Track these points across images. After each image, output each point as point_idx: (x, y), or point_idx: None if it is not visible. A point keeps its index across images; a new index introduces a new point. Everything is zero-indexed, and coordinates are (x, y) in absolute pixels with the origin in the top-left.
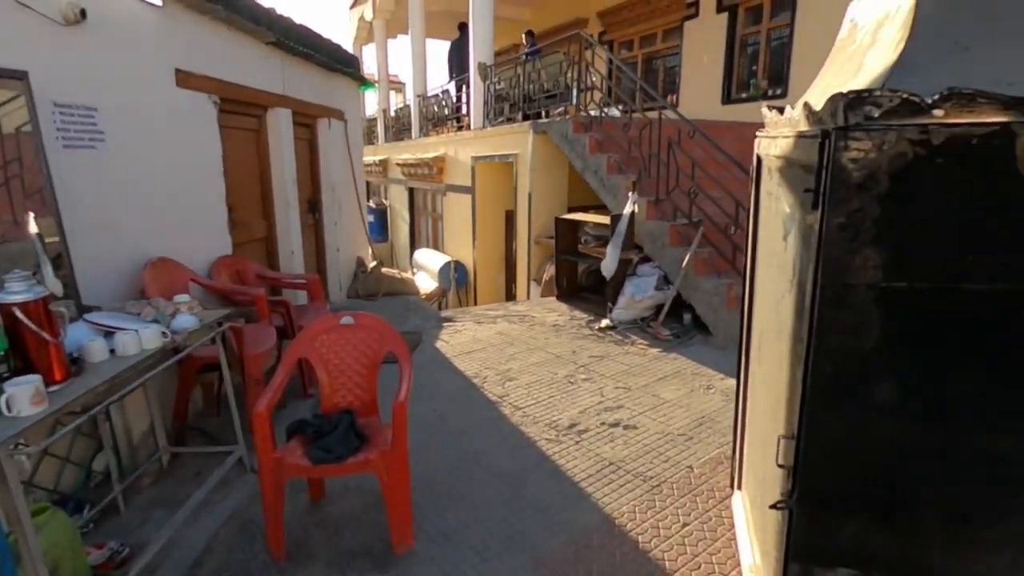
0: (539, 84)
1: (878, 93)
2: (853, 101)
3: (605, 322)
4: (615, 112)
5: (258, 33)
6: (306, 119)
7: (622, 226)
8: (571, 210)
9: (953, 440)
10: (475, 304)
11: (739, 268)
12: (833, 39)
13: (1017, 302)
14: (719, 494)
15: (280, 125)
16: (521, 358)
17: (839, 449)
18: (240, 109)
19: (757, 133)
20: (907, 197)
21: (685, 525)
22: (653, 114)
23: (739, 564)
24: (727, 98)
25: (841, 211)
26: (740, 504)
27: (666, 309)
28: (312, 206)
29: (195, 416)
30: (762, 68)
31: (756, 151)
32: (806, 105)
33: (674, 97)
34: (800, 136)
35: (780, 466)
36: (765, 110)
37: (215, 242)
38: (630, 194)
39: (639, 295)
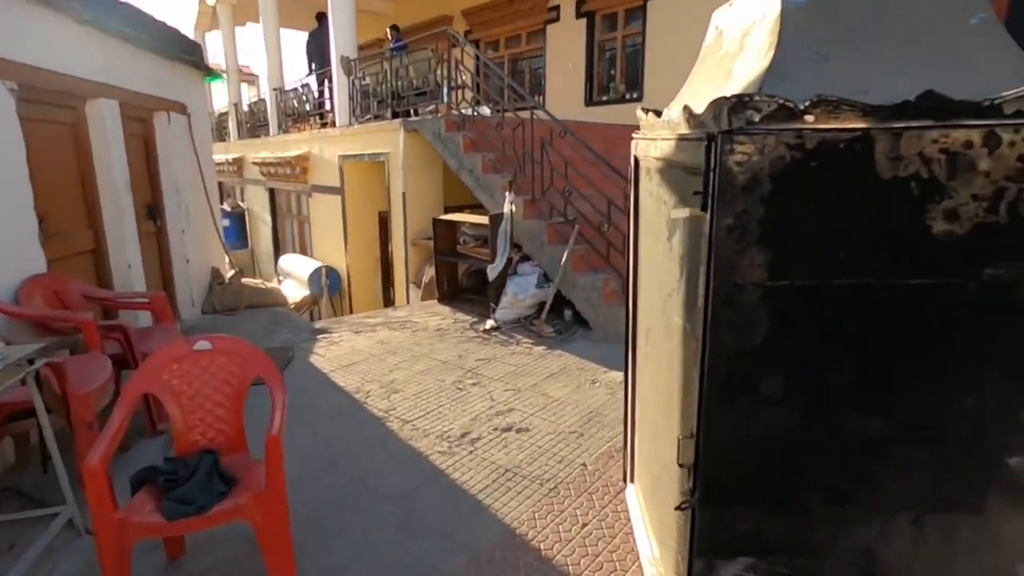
0: (408, 81)
1: (758, 98)
2: (736, 105)
3: (489, 323)
4: (486, 111)
5: (69, 10)
6: (140, 112)
7: (507, 226)
8: (447, 210)
9: (832, 425)
10: (351, 312)
11: (614, 264)
12: (680, 47)
13: (879, 295)
14: (613, 488)
15: (104, 119)
16: (405, 367)
17: (735, 444)
18: (50, 99)
19: (633, 135)
20: (786, 199)
21: (584, 525)
22: (525, 114)
23: (639, 558)
24: (590, 100)
25: (729, 212)
26: (634, 497)
27: (548, 307)
28: (152, 211)
29: (5, 475)
30: (620, 72)
31: (634, 152)
32: (686, 108)
33: (540, 98)
34: (682, 139)
35: (681, 465)
36: (641, 113)
37: (22, 259)
38: (507, 193)
39: (521, 294)
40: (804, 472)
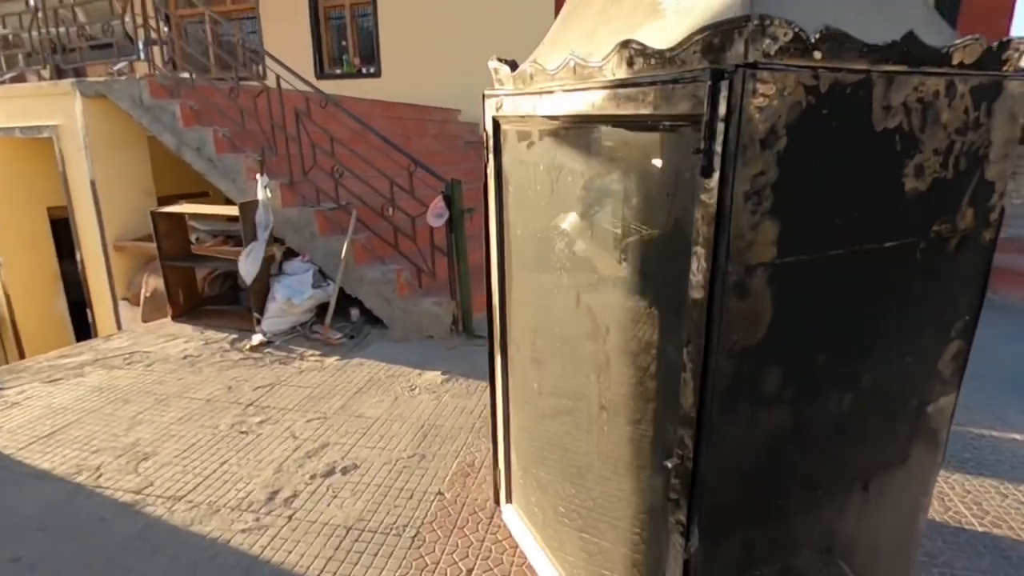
0: (77, 28)
1: (777, 23)
2: (756, 31)
3: (257, 338)
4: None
5: None
6: None
7: (265, 216)
8: (163, 200)
9: (816, 411)
10: (22, 355)
11: (405, 251)
12: (418, 23)
13: (860, 262)
14: (484, 514)
15: None
16: (151, 418)
17: (735, 460)
18: None
19: (487, 92)
20: (797, 155)
21: (469, 572)
22: (259, 82)
23: None
24: (320, 73)
25: (747, 175)
26: (517, 520)
27: (332, 308)
28: None
29: None
30: (353, 45)
31: (491, 114)
32: (632, 44)
33: (259, 67)
34: (628, 84)
35: (671, 499)
36: (499, 64)
37: None
38: (259, 176)
39: (297, 297)
40: (788, 468)
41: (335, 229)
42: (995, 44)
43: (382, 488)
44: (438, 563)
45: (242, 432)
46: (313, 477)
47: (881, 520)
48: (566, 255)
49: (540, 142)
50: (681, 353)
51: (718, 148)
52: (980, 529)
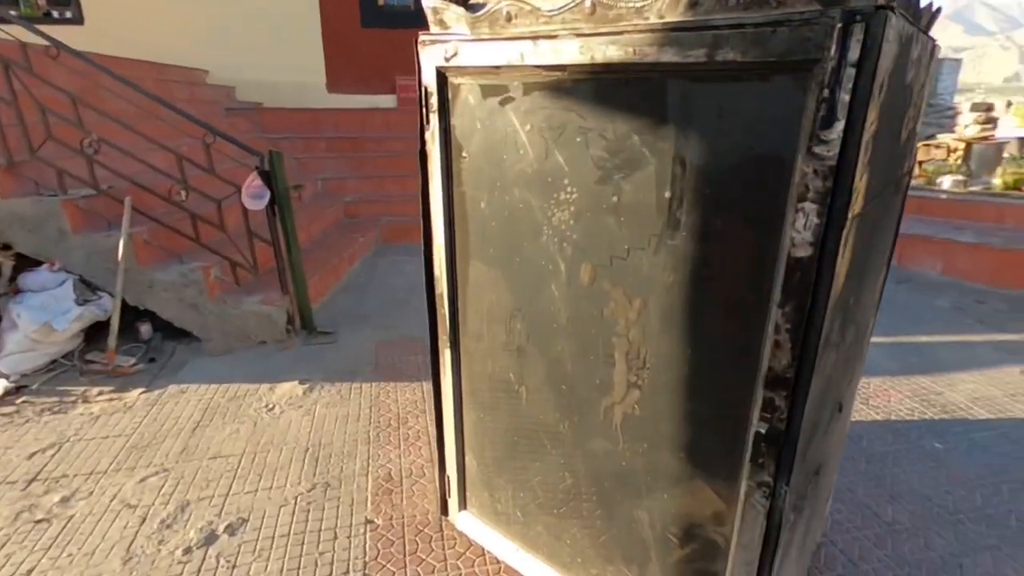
0: None
1: None
2: None
3: None
4: None
5: None
6: None
7: None
8: None
9: (841, 349)
10: None
11: (208, 243)
12: None
13: (876, 205)
14: (430, 530)
15: None
16: None
17: (812, 411)
18: None
19: (423, 36)
20: (886, 104)
21: None
22: None
23: None
24: None
25: (868, 124)
26: (479, 525)
27: (116, 327)
28: None
29: None
30: None
31: (434, 65)
32: None
33: None
34: (689, 28)
35: (756, 463)
36: (439, 2)
37: None
38: None
39: (59, 321)
40: (824, 405)
41: (98, 223)
42: (933, 12)
43: (294, 537)
44: None
45: (39, 521)
46: (188, 551)
47: (839, 433)
48: (569, 227)
49: (526, 98)
50: (765, 315)
51: (845, 96)
52: None
